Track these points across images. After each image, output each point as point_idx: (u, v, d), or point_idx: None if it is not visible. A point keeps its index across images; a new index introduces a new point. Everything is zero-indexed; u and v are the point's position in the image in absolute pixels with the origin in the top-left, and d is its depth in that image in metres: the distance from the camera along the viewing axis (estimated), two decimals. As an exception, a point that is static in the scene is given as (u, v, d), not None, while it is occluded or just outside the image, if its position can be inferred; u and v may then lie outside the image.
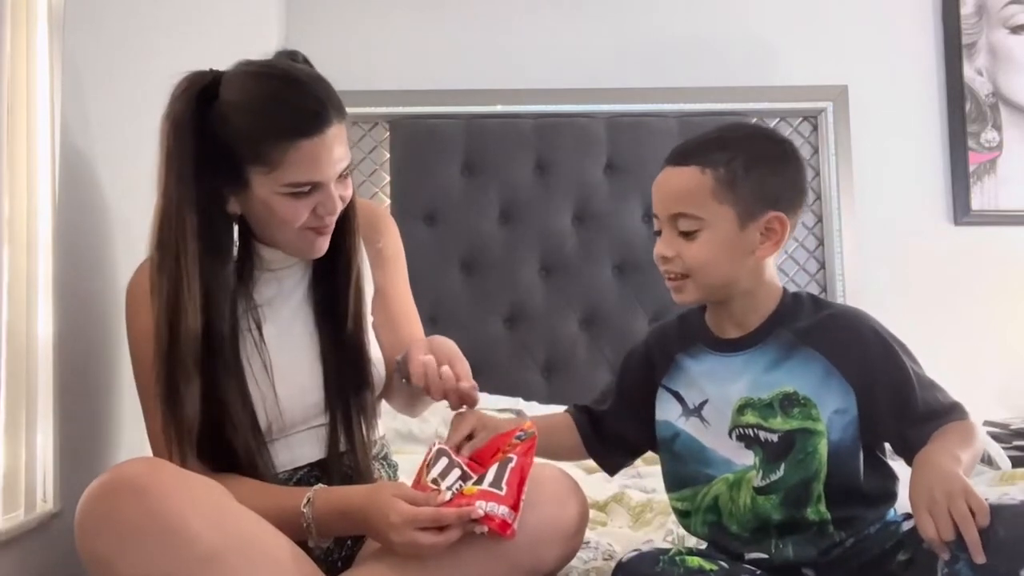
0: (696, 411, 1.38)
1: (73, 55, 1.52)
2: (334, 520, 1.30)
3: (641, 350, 1.49)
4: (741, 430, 1.33)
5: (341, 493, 1.32)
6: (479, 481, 1.25)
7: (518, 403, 2.68)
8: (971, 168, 3.19)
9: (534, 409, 2.67)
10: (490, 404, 2.63)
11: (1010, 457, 2.43)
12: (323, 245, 1.42)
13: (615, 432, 1.48)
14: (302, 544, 1.29)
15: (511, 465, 1.26)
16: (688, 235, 1.32)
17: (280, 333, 1.45)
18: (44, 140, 1.40)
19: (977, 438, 1.29)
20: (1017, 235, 3.19)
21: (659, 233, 1.37)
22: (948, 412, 1.30)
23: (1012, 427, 2.84)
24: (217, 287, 1.37)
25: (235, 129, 1.33)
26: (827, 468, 1.30)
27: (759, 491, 1.32)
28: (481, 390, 2.91)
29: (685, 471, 1.39)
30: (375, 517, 1.25)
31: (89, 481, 1.17)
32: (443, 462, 1.28)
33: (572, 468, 2.22)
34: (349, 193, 1.42)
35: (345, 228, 1.46)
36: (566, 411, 1.53)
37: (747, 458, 1.33)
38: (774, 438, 1.31)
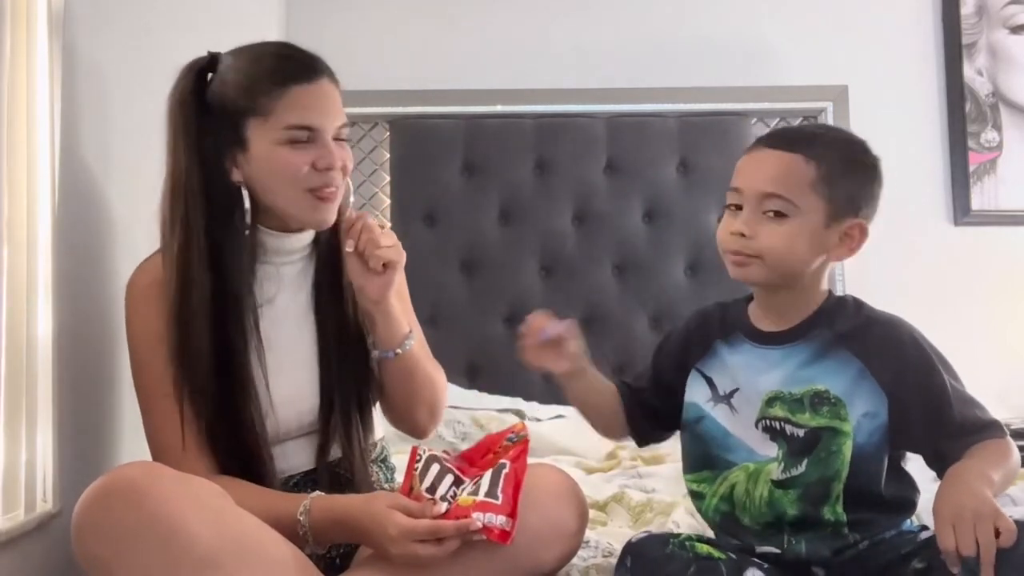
0: (726, 398, 1.39)
1: (73, 55, 1.52)
2: (330, 529, 1.30)
3: (681, 333, 1.50)
4: (768, 422, 1.35)
5: (337, 502, 1.32)
6: (475, 491, 1.24)
7: (518, 403, 2.68)
8: (971, 168, 3.19)
9: (534, 409, 2.67)
10: (490, 404, 2.63)
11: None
12: (328, 214, 1.43)
13: (651, 407, 1.49)
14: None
15: (505, 472, 1.25)
16: (776, 217, 1.32)
17: (279, 334, 1.45)
18: (44, 140, 1.40)
19: (1013, 459, 1.29)
20: (1017, 235, 3.18)
21: (734, 209, 1.35)
22: (985, 429, 1.30)
23: (1012, 427, 2.83)
24: (228, 266, 1.39)
25: (231, 85, 1.39)
26: (848, 469, 1.30)
27: (777, 484, 1.33)
28: (481, 390, 2.92)
29: (706, 454, 1.40)
30: (372, 529, 1.25)
31: (89, 481, 1.17)
32: (434, 469, 1.28)
33: (572, 468, 2.22)
34: (350, 161, 1.43)
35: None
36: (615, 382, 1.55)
37: (770, 450, 1.34)
38: (800, 433, 1.32)
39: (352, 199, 1.49)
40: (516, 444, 1.31)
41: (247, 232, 1.42)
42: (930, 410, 1.31)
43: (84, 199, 1.59)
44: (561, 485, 1.36)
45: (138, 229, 1.76)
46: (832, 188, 1.32)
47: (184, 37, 2.05)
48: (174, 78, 1.42)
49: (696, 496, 1.42)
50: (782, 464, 1.33)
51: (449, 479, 1.27)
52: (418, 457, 1.30)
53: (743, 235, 1.33)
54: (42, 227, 1.40)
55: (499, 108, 3.11)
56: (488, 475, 1.26)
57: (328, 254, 1.50)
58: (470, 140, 3.06)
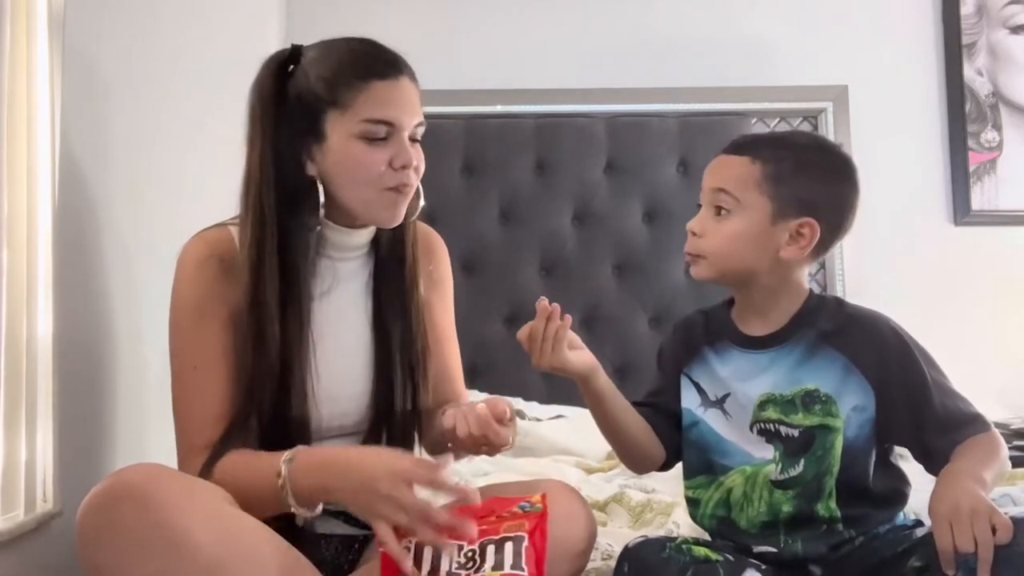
0: (718, 403, 1.41)
1: (73, 55, 1.52)
2: (312, 474, 1.23)
3: (670, 341, 1.52)
4: (762, 425, 1.37)
5: (326, 448, 1.30)
6: (498, 566, 1.18)
7: (518, 403, 2.68)
8: (971, 168, 3.19)
9: (534, 409, 2.67)
10: (490, 404, 2.63)
11: (1010, 457, 2.42)
12: (400, 212, 1.42)
13: (675, 414, 1.46)
14: (309, 555, 1.26)
15: (525, 546, 1.20)
16: (721, 216, 1.37)
17: (331, 329, 1.43)
18: (44, 140, 1.40)
19: (1001, 454, 1.32)
20: (1017, 235, 3.18)
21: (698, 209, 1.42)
22: (970, 423, 1.32)
23: (1012, 427, 2.83)
24: (294, 259, 1.38)
25: (315, 79, 1.38)
26: (840, 463, 1.33)
27: (777, 485, 1.35)
28: (481, 390, 2.91)
29: (702, 459, 1.41)
30: (365, 463, 1.21)
31: (89, 481, 1.17)
32: (428, 550, 1.20)
33: (572, 468, 2.22)
34: (422, 162, 1.43)
35: (405, 238, 1.49)
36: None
37: (767, 452, 1.36)
38: (795, 433, 1.35)
39: (422, 203, 1.48)
40: (530, 515, 1.24)
41: (317, 227, 1.40)
42: (912, 401, 1.33)
43: (84, 198, 1.59)
44: (571, 502, 1.34)
45: (138, 229, 1.76)
46: (777, 187, 1.36)
47: (185, 37, 2.05)
48: (257, 70, 1.42)
49: (692, 503, 1.44)
50: (779, 465, 1.35)
51: (449, 553, 1.20)
52: (405, 547, 1.20)
53: (694, 233, 1.40)
54: (42, 227, 1.40)
55: (499, 108, 3.11)
56: (509, 547, 1.20)
57: (388, 259, 1.49)
58: (470, 140, 3.06)
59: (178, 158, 1.99)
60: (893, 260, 3.10)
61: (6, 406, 1.33)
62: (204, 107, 2.08)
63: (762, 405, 1.37)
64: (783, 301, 1.40)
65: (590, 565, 1.43)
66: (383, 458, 1.22)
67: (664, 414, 1.47)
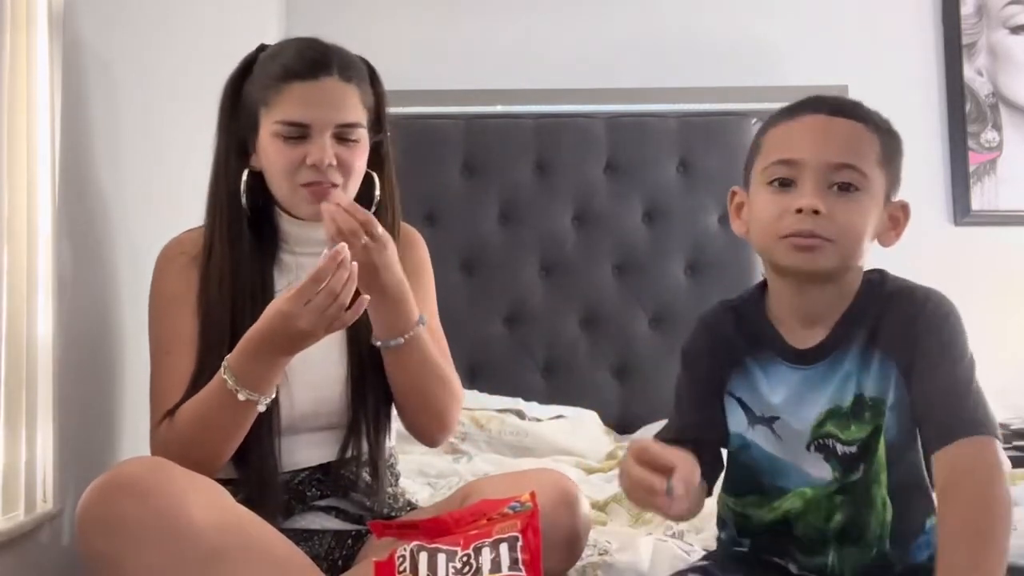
0: (765, 421, 1.25)
1: (73, 55, 1.52)
2: (249, 361, 1.31)
3: (702, 344, 1.32)
4: (820, 442, 1.22)
5: (243, 340, 1.32)
6: (495, 568, 1.18)
7: (518, 403, 2.68)
8: (971, 168, 3.19)
9: (534, 409, 2.66)
10: (490, 404, 2.63)
11: (1010, 457, 2.41)
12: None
13: (711, 444, 1.29)
14: (309, 552, 1.28)
15: (520, 545, 1.20)
16: (844, 192, 1.18)
17: None
18: (44, 139, 1.41)
19: (997, 510, 1.14)
20: (1017, 235, 3.18)
21: (785, 184, 1.19)
22: (975, 425, 1.19)
23: (1012, 427, 2.83)
24: (238, 246, 1.44)
25: (255, 77, 1.46)
26: (886, 466, 1.20)
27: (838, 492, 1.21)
28: (481, 390, 2.90)
29: (754, 480, 1.26)
30: (273, 322, 1.28)
31: (89, 481, 1.18)
32: (424, 558, 1.20)
33: (572, 469, 2.22)
34: (355, 161, 1.44)
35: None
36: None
37: (824, 471, 1.22)
38: (852, 449, 1.21)
39: (378, 194, 1.50)
40: (521, 514, 1.23)
41: (249, 213, 1.45)
42: (920, 371, 1.20)
43: (84, 198, 1.59)
44: (564, 491, 1.34)
45: (138, 228, 1.76)
46: (889, 164, 1.22)
47: (185, 37, 2.05)
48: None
49: (741, 517, 1.29)
50: (839, 485, 1.22)
51: (443, 560, 1.20)
52: (400, 557, 1.20)
53: (816, 212, 1.16)
54: (42, 226, 1.41)
55: (499, 108, 3.11)
56: (504, 548, 1.20)
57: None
58: (470, 140, 3.05)
59: (182, 157, 1.99)
60: (893, 260, 3.08)
61: (6, 406, 1.33)
62: (204, 106, 2.07)
63: (822, 422, 1.22)
64: (838, 302, 1.24)
65: (588, 560, 1.43)
66: (276, 306, 1.29)
67: (706, 451, 1.26)
